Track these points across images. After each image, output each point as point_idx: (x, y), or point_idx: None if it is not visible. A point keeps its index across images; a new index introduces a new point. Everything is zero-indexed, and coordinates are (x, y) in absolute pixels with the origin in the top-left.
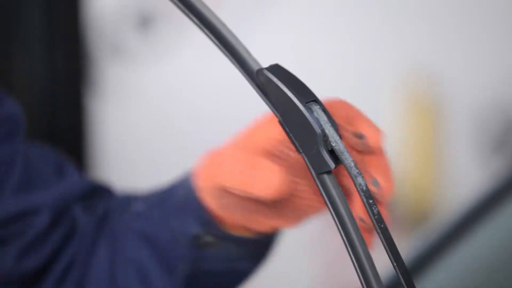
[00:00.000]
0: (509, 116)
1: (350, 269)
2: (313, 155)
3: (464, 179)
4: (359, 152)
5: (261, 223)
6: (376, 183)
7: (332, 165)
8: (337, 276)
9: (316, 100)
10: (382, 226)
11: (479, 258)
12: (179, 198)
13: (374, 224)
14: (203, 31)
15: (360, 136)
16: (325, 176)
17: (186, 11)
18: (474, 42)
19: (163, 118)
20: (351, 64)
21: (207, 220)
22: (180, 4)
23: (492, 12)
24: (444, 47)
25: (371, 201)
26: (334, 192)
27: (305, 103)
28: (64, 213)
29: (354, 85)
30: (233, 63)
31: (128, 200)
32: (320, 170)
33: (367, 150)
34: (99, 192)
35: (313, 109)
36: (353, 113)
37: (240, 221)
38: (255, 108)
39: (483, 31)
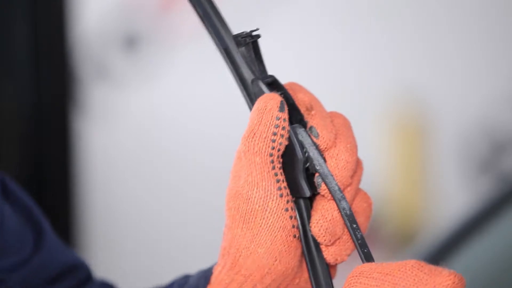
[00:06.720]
0: (495, 138)
1: None
2: (290, 177)
3: (450, 200)
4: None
5: None
6: (315, 133)
7: (307, 193)
8: None
9: (302, 120)
10: (365, 251)
11: (466, 277)
12: None
13: (357, 249)
14: (210, 34)
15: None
16: (301, 200)
17: (203, 19)
18: (460, 66)
19: (149, 138)
20: (339, 87)
21: None
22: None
23: (477, 37)
24: (431, 70)
25: (354, 225)
26: (305, 215)
27: (291, 125)
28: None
29: (341, 108)
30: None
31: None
32: (297, 194)
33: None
34: (73, 273)
35: (298, 132)
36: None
37: None
38: (240, 129)
39: (469, 55)
